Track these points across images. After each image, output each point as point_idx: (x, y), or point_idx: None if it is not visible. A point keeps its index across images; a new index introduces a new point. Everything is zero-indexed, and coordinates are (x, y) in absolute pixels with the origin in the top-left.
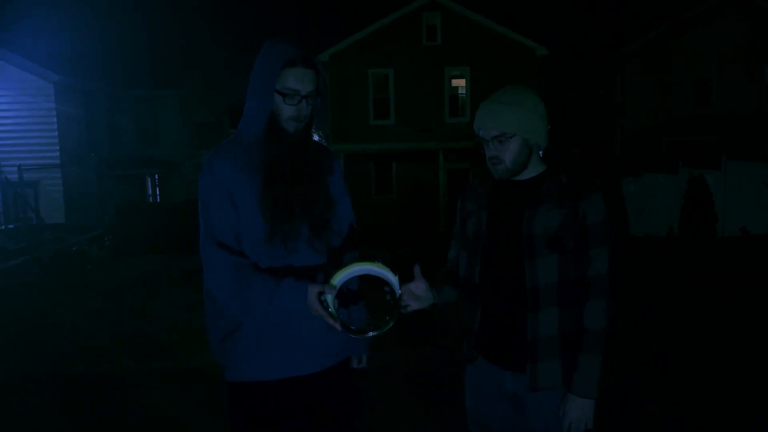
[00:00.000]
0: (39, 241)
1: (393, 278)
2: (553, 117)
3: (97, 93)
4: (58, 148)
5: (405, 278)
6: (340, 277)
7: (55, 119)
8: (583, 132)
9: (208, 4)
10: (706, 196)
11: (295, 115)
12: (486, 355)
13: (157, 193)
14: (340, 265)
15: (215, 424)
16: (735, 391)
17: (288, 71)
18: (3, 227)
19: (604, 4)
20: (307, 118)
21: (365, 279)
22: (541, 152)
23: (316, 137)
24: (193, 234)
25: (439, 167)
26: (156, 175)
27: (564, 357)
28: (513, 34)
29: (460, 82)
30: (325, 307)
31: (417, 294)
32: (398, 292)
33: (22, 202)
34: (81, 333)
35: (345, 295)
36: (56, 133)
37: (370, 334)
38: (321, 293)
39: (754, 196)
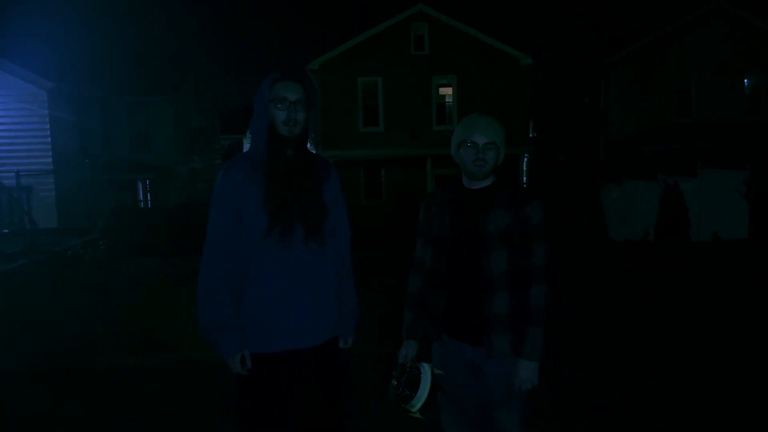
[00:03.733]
0: (35, 245)
1: (427, 379)
2: (540, 124)
3: (90, 99)
4: (50, 153)
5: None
6: (422, 402)
7: (48, 125)
8: (569, 139)
9: (201, 12)
10: (680, 203)
11: (286, 118)
12: (450, 333)
13: (149, 198)
14: (417, 386)
15: (213, 414)
16: (691, 380)
17: (277, 85)
18: None
19: (589, 16)
20: (299, 123)
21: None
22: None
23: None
24: (187, 237)
25: (426, 173)
26: (148, 180)
27: (512, 330)
28: (498, 43)
29: (447, 91)
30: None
31: None
32: (423, 391)
33: (17, 207)
34: (82, 329)
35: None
36: (49, 139)
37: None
38: (243, 361)
39: (727, 203)
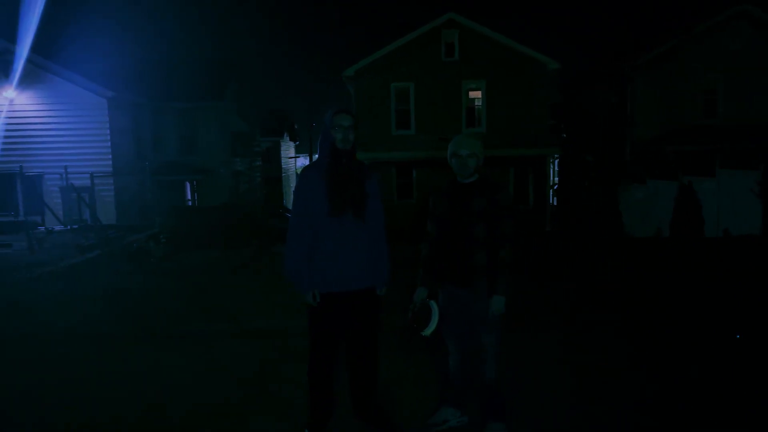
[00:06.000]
0: (106, 239)
1: (435, 313)
2: (568, 126)
3: (143, 106)
4: (110, 157)
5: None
6: (432, 328)
7: (108, 131)
8: (596, 140)
9: (244, 24)
10: (693, 201)
11: (342, 138)
12: (448, 280)
13: (196, 197)
14: (429, 318)
15: (287, 364)
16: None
17: (336, 116)
18: (68, 227)
19: (617, 19)
20: (350, 141)
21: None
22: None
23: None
24: (236, 233)
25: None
26: (195, 181)
27: (488, 276)
28: (526, 49)
29: (476, 95)
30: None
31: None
32: (434, 321)
33: (85, 206)
34: (162, 304)
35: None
36: (109, 144)
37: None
38: (314, 296)
39: (743, 201)
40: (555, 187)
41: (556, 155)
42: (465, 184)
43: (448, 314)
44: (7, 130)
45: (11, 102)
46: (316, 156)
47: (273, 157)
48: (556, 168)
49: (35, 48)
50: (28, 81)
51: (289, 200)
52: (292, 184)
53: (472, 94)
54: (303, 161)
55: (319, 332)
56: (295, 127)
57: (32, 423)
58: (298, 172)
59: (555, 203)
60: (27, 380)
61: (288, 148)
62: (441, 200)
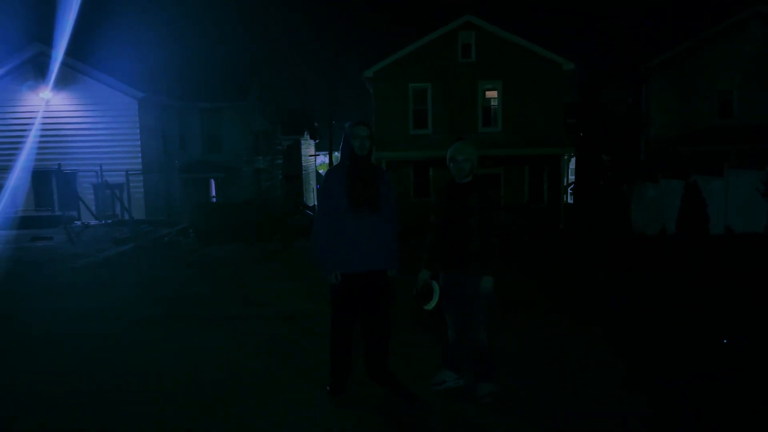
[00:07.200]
0: (138, 233)
1: (437, 291)
2: (584, 125)
3: (170, 106)
4: (140, 155)
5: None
6: (434, 303)
7: (138, 131)
8: (612, 140)
9: (265, 26)
10: (699, 200)
11: (359, 145)
12: (447, 263)
13: (221, 194)
14: (431, 295)
15: (300, 342)
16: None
17: (355, 128)
18: (103, 222)
19: (632, 20)
20: (366, 148)
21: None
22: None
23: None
24: (259, 228)
25: None
26: (219, 179)
27: (480, 259)
28: (542, 50)
29: (492, 95)
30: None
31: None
32: (435, 297)
33: (118, 202)
34: (195, 291)
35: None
36: (139, 143)
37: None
38: (336, 276)
39: (750, 200)
40: (571, 187)
41: (572, 154)
42: (461, 184)
43: (448, 292)
44: (43, 129)
45: (47, 103)
46: (336, 154)
47: (294, 155)
48: (569, 167)
49: (69, 51)
50: (63, 82)
51: (309, 197)
52: (312, 181)
53: (489, 94)
54: (323, 159)
55: (339, 307)
56: (315, 125)
57: (77, 389)
58: (319, 170)
59: (571, 202)
60: (76, 355)
61: (308, 146)
62: (442, 197)
